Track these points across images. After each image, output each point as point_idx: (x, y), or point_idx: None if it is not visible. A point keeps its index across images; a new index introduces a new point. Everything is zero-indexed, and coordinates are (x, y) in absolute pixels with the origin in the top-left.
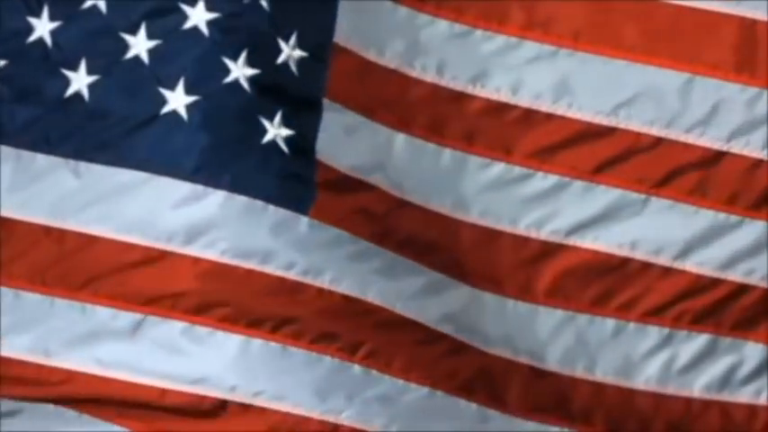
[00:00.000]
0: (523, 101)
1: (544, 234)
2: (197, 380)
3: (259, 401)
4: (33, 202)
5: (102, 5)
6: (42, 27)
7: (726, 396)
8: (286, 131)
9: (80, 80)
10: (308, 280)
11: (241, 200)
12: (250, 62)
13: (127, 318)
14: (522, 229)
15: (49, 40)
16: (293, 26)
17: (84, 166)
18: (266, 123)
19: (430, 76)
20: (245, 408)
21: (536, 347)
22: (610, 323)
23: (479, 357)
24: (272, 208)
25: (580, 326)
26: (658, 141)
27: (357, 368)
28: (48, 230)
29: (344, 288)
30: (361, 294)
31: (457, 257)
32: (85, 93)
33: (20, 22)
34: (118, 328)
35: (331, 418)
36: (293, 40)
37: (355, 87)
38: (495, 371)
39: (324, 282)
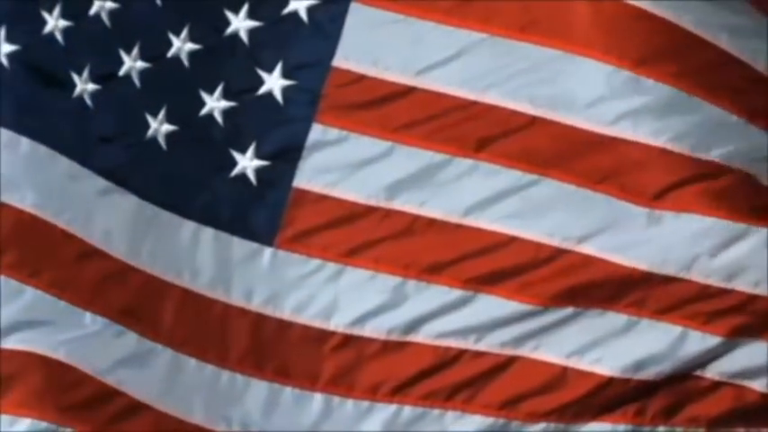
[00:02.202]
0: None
1: (557, 240)
2: None
3: None
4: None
5: (106, 19)
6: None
7: (739, 380)
8: (259, 163)
9: (82, 85)
10: (268, 311)
11: (209, 231)
12: (226, 95)
13: None
14: (532, 235)
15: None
16: (277, 57)
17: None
18: (237, 156)
19: (449, 88)
20: None
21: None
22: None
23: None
24: (236, 240)
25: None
26: None
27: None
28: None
29: (306, 317)
30: (323, 322)
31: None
32: (89, 100)
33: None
34: None
35: None
36: (278, 70)
37: (355, 107)
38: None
39: (283, 312)
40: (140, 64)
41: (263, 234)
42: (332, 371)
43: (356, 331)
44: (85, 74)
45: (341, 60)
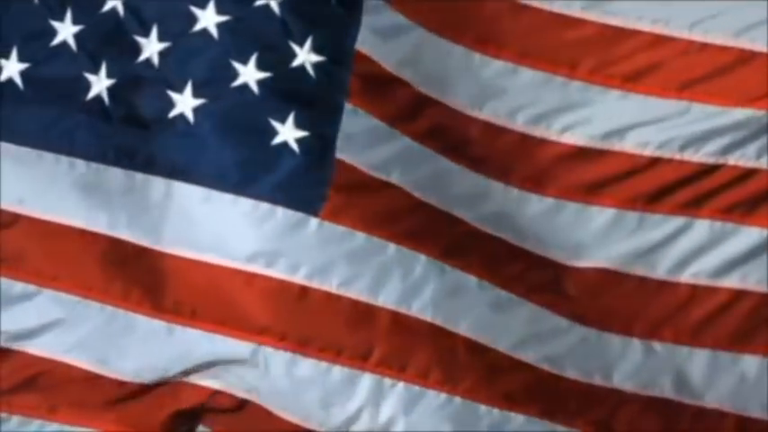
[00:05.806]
0: (518, 125)
1: (551, 255)
2: None
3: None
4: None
5: (120, 8)
6: (66, 30)
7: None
8: (299, 133)
9: (100, 83)
10: (315, 284)
11: (247, 202)
12: (260, 65)
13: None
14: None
15: (72, 43)
16: (307, 31)
17: (97, 167)
18: (277, 125)
19: (436, 95)
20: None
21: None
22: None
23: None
24: (280, 210)
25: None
26: (652, 162)
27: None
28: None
29: (354, 292)
30: (371, 298)
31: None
32: (105, 96)
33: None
34: None
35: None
36: (308, 44)
37: (376, 95)
38: None
39: (331, 286)
40: (161, 45)
41: (308, 204)
42: (383, 350)
43: (403, 310)
44: (103, 71)
45: (363, 47)
